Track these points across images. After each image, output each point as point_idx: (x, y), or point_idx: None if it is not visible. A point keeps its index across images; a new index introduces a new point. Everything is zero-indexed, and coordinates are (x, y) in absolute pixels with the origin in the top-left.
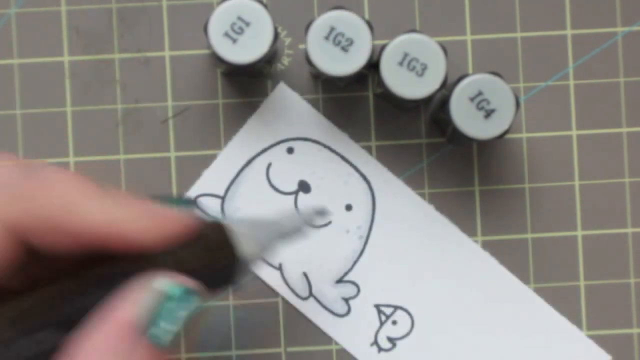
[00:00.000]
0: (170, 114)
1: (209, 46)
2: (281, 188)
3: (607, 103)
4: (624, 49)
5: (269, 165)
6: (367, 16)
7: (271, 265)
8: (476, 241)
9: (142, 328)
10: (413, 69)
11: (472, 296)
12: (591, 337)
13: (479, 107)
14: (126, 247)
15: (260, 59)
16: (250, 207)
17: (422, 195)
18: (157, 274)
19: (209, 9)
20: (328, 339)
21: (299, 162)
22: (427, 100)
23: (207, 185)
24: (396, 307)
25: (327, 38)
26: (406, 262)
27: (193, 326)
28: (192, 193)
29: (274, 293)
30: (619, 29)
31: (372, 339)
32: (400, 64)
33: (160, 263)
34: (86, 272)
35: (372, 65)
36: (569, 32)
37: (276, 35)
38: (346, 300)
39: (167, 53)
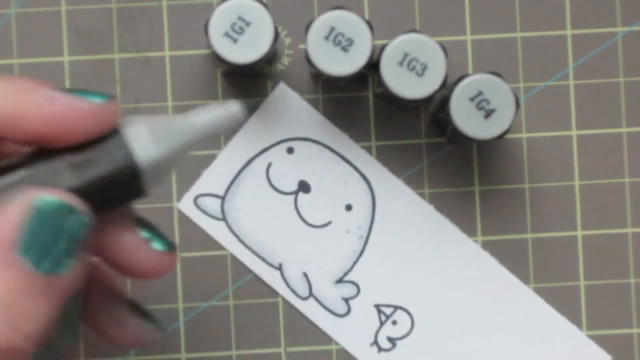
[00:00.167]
0: (170, 114)
1: (209, 46)
2: (281, 188)
3: (607, 103)
4: (624, 49)
5: (269, 165)
6: (367, 16)
7: (271, 265)
8: (476, 241)
9: (18, 247)
10: (413, 69)
11: (472, 296)
12: (591, 337)
13: (479, 107)
14: (25, 137)
15: (260, 59)
16: (250, 207)
17: (422, 195)
18: (35, 189)
19: (209, 9)
20: (328, 339)
21: (299, 162)
22: (427, 100)
23: (207, 185)
24: (396, 307)
25: (327, 38)
26: (406, 262)
27: (73, 249)
28: (192, 193)
29: (274, 293)
30: (619, 29)
31: (372, 339)
32: (400, 64)
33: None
34: None
35: (372, 65)
36: (569, 32)
37: (276, 35)
38: (346, 300)
39: (167, 53)
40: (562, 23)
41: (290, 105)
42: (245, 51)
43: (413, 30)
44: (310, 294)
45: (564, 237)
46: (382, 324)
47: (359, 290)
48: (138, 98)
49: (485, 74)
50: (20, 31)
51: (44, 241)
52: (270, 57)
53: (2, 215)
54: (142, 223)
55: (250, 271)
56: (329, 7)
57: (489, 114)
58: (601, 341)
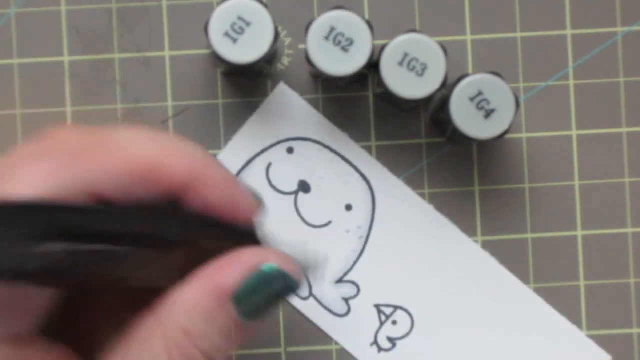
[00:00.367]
0: (170, 114)
1: (209, 46)
2: (281, 188)
3: (607, 103)
4: (624, 49)
5: (269, 165)
6: (367, 16)
7: None
8: (476, 241)
9: (234, 297)
10: (413, 69)
11: (472, 296)
12: (591, 337)
13: (479, 107)
14: (201, 204)
15: (260, 59)
16: None
17: (422, 195)
18: (263, 251)
19: (209, 9)
20: (328, 339)
21: (299, 162)
22: (427, 100)
23: None
24: (396, 307)
25: (327, 38)
26: (406, 262)
27: (275, 308)
28: None
29: None
30: (619, 29)
31: (372, 339)
32: (400, 64)
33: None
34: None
35: (372, 65)
36: (569, 32)
37: (276, 35)
38: (346, 300)
39: (167, 53)
40: (562, 23)
41: (290, 105)
42: (245, 51)
43: (413, 30)
44: (310, 294)
45: (564, 237)
46: (382, 324)
47: (359, 290)
48: (138, 98)
49: (485, 74)
50: (20, 31)
51: (255, 296)
52: (270, 57)
53: (228, 266)
54: None
55: None
56: (329, 7)
57: (489, 114)
58: (601, 341)
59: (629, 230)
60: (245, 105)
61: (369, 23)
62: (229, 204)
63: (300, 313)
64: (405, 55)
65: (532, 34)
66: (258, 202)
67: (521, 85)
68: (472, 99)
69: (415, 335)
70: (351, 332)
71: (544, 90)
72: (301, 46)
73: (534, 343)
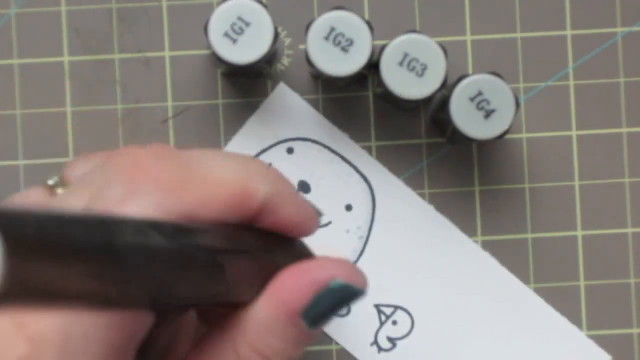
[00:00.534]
0: (170, 114)
1: (209, 46)
2: None
3: (607, 103)
4: (624, 49)
5: (269, 165)
6: (367, 16)
7: None
8: (476, 241)
9: (303, 313)
10: (413, 69)
11: (472, 296)
12: (591, 337)
13: (479, 107)
14: (274, 224)
15: (260, 59)
16: None
17: (422, 195)
18: (329, 264)
19: (209, 9)
20: (328, 339)
21: (299, 162)
22: (427, 100)
23: None
24: (396, 307)
25: (327, 38)
26: (406, 262)
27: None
28: None
29: None
30: (619, 29)
31: (372, 339)
32: (400, 64)
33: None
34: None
35: (372, 65)
36: (569, 32)
37: (276, 36)
38: None
39: (167, 53)
40: (562, 23)
41: (290, 105)
42: (245, 51)
43: (413, 30)
44: None
45: (564, 237)
46: (382, 324)
47: None
48: (138, 98)
49: (485, 74)
50: (20, 31)
51: (323, 310)
52: (270, 57)
53: (298, 283)
54: None
55: None
56: (329, 7)
57: (489, 114)
58: (601, 341)
59: (629, 230)
60: (245, 105)
61: (369, 23)
62: (299, 221)
63: None
64: (405, 55)
65: (532, 34)
66: (319, 215)
67: (521, 85)
68: (472, 99)
69: (415, 335)
70: (351, 332)
71: (544, 90)
72: (301, 46)
73: (534, 343)
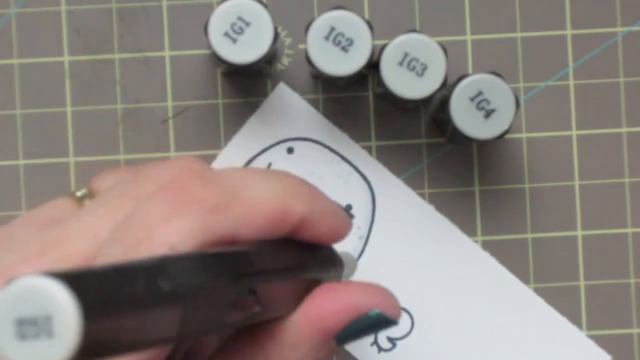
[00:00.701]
0: (170, 114)
1: (209, 46)
2: None
3: (607, 103)
4: (624, 49)
5: (269, 165)
6: (367, 16)
7: None
8: (476, 241)
9: (337, 336)
10: (413, 69)
11: (472, 296)
12: (591, 337)
13: (479, 107)
14: (312, 238)
15: (260, 59)
16: None
17: (422, 195)
18: (368, 291)
19: (209, 9)
20: None
21: (299, 162)
22: (427, 100)
23: None
24: None
25: (327, 38)
26: (406, 262)
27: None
28: None
29: None
30: (619, 29)
31: (372, 339)
32: (400, 64)
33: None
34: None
35: (372, 65)
36: (569, 32)
37: (276, 35)
38: None
39: (167, 53)
40: (562, 23)
41: (290, 105)
42: (245, 51)
43: (413, 30)
44: None
45: (564, 237)
46: None
47: None
48: (138, 98)
49: (485, 74)
50: (20, 31)
51: (354, 333)
52: (270, 57)
53: (335, 306)
54: None
55: None
56: (329, 7)
57: (489, 114)
58: (601, 341)
59: (629, 230)
60: (245, 105)
61: (369, 23)
62: (334, 232)
63: None
64: (405, 55)
65: (532, 34)
66: (351, 219)
67: (521, 85)
68: (472, 99)
69: (415, 335)
70: None
71: (544, 90)
72: (301, 46)
73: (534, 343)
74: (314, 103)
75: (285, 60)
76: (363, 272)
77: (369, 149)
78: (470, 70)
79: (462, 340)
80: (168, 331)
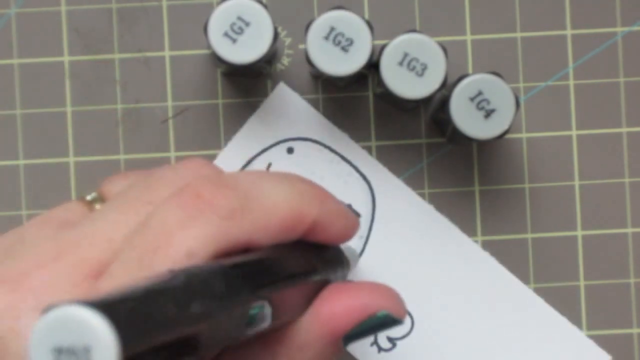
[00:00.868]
0: (170, 114)
1: (209, 46)
2: None
3: (607, 103)
4: (624, 49)
5: (269, 165)
6: (367, 16)
7: None
8: (476, 241)
9: (344, 337)
10: (413, 69)
11: (472, 296)
12: (591, 337)
13: (479, 107)
14: (324, 240)
15: (260, 59)
16: None
17: (422, 195)
18: (376, 293)
19: (209, 9)
20: None
21: (299, 162)
22: (427, 100)
23: None
24: None
25: (327, 38)
26: (406, 262)
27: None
28: None
29: None
30: (619, 29)
31: (372, 339)
32: (400, 64)
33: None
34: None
35: (372, 65)
36: (569, 32)
37: (276, 35)
38: None
39: (167, 53)
40: (562, 23)
41: (290, 105)
42: (245, 51)
43: (413, 30)
44: None
45: (564, 237)
46: None
47: None
48: (138, 98)
49: (485, 74)
50: (20, 31)
51: (361, 333)
52: (270, 57)
53: (344, 308)
54: None
55: None
56: (329, 7)
57: (489, 114)
58: (601, 341)
59: (629, 230)
60: (245, 105)
61: (369, 23)
62: (345, 233)
63: None
64: (405, 55)
65: (532, 34)
66: (358, 219)
67: (521, 85)
68: (472, 99)
69: (415, 335)
70: None
71: (544, 90)
72: (301, 46)
73: (534, 343)
74: (314, 103)
75: (285, 60)
76: (363, 272)
77: (369, 149)
78: (470, 70)
79: (462, 340)
80: (191, 346)
